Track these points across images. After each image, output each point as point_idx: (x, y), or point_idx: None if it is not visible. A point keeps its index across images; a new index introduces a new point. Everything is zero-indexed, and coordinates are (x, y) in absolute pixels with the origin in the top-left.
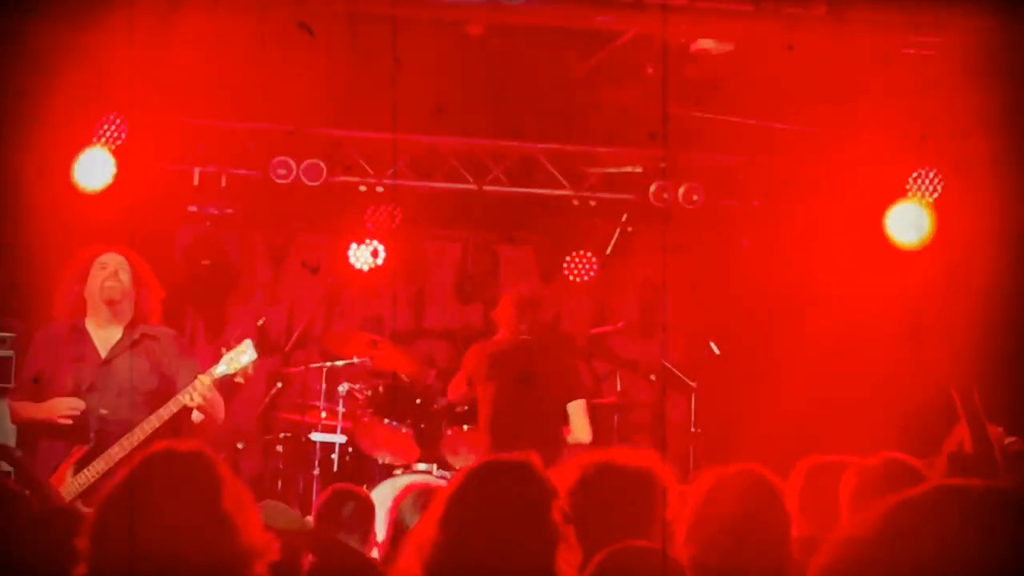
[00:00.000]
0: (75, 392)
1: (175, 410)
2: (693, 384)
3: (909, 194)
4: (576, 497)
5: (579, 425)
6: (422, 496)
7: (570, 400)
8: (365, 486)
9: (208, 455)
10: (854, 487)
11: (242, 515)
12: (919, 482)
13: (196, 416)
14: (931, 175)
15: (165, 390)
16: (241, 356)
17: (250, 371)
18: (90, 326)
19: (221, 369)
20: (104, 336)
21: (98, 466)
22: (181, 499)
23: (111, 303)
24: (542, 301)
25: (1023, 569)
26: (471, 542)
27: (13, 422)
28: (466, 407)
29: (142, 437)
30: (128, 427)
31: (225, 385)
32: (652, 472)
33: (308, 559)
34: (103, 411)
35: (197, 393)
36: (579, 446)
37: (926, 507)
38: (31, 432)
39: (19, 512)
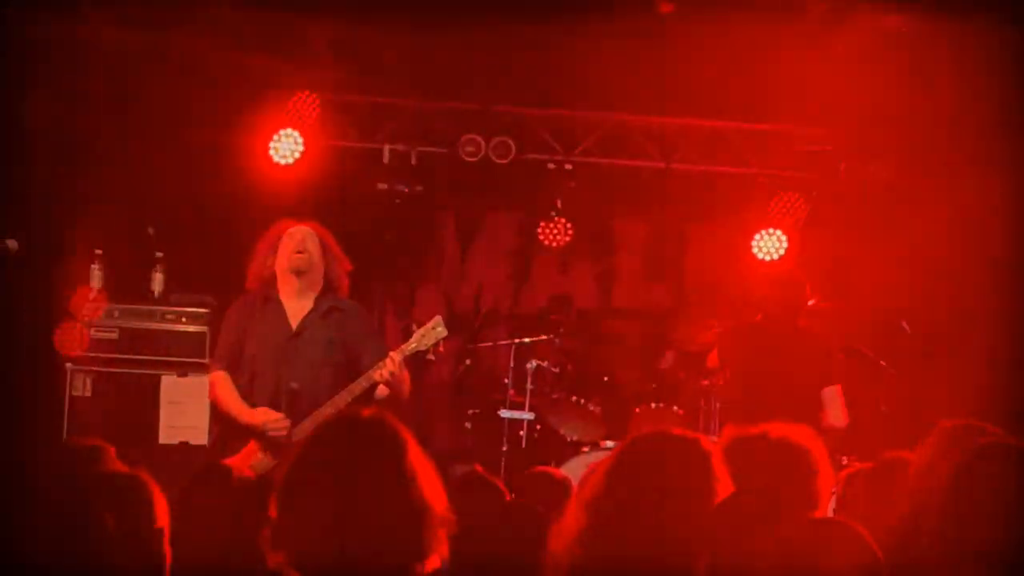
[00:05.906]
0: (267, 365)
1: (366, 385)
2: (883, 363)
3: None
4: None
5: (834, 411)
6: None
7: (825, 386)
8: (553, 463)
9: (390, 421)
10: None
11: (426, 480)
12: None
13: (380, 392)
14: None
15: (350, 364)
16: (432, 333)
17: (440, 348)
18: (282, 298)
19: (413, 346)
20: (294, 307)
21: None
22: (365, 462)
23: (299, 273)
24: (803, 284)
25: None
26: (634, 501)
27: (212, 401)
28: (654, 385)
29: (333, 412)
30: (315, 401)
31: (414, 361)
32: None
33: None
34: (294, 384)
35: (387, 369)
36: (833, 432)
37: None
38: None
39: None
